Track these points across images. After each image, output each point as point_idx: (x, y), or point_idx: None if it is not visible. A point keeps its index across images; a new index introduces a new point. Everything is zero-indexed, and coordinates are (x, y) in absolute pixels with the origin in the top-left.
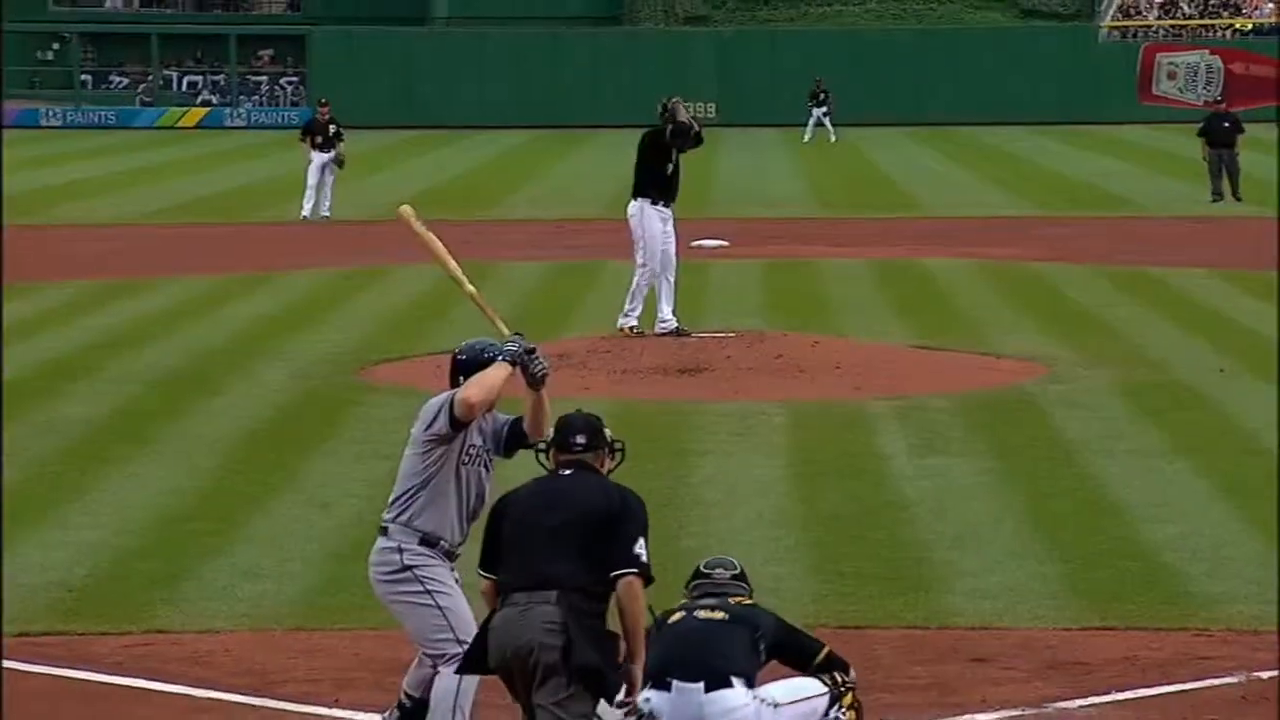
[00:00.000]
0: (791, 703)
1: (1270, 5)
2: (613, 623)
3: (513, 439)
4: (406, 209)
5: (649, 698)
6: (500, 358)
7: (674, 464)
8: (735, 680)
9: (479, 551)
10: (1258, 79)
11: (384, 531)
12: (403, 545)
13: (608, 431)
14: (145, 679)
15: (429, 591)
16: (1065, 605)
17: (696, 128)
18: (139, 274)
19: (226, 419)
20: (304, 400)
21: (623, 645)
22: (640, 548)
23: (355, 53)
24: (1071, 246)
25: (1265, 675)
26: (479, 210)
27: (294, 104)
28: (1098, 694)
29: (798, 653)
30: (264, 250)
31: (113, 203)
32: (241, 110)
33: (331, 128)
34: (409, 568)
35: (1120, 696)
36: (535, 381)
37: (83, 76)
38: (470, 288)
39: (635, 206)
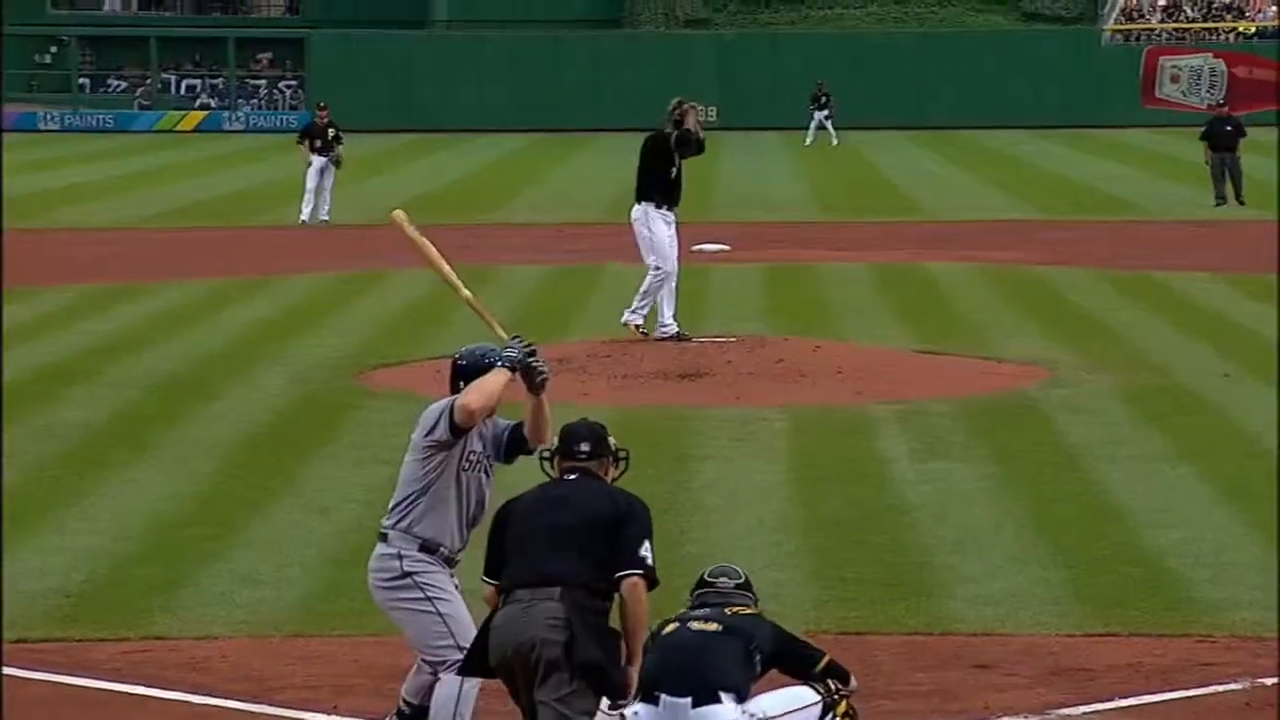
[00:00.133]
0: (783, 714)
1: (1273, 8)
2: (614, 623)
3: (513, 444)
4: (399, 214)
5: (636, 711)
6: (500, 363)
7: (674, 469)
8: (724, 695)
9: (482, 559)
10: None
11: (383, 538)
12: (402, 552)
13: (612, 440)
14: (143, 685)
15: (429, 598)
16: (1068, 611)
17: (701, 136)
18: (137, 278)
19: (225, 424)
20: (303, 405)
21: (622, 646)
22: (646, 550)
23: (354, 56)
24: (1074, 250)
25: (1269, 681)
26: (479, 214)
27: (293, 107)
28: (1101, 701)
29: (797, 662)
30: (263, 254)
31: (111, 206)
32: (240, 113)
33: (330, 131)
34: (409, 574)
35: (1124, 703)
36: (536, 386)
37: (81, 80)
38: (466, 293)
39: (639, 210)
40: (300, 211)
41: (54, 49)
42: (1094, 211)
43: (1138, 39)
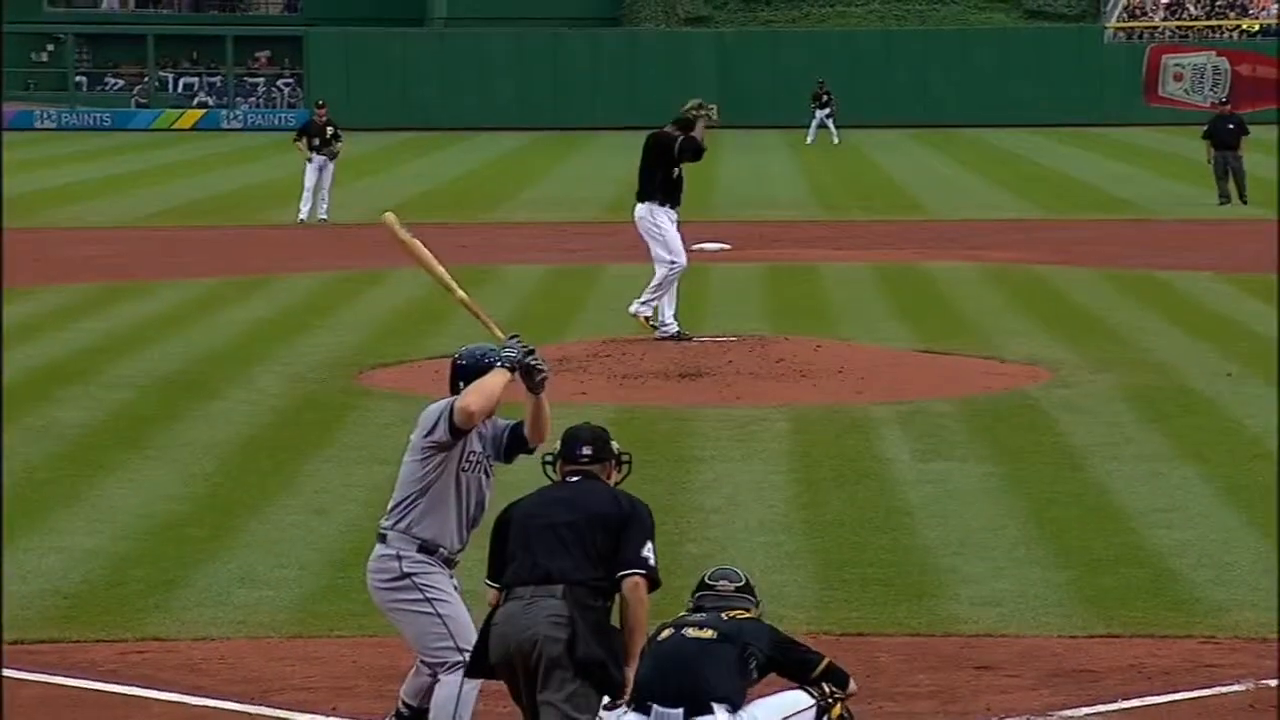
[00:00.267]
0: None
1: (1275, 6)
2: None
3: (513, 444)
4: (390, 216)
5: (626, 716)
6: (499, 364)
7: (674, 470)
8: (717, 707)
9: (482, 560)
10: (1264, 81)
11: (382, 539)
12: (401, 553)
13: (615, 444)
14: (140, 687)
15: (428, 599)
16: (1070, 612)
17: (704, 145)
18: (135, 278)
19: (223, 424)
20: (301, 405)
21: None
22: (648, 551)
23: (353, 54)
24: (1076, 249)
25: (1272, 683)
26: (478, 213)
27: (291, 106)
28: (1104, 702)
29: (795, 666)
30: (261, 254)
31: (108, 206)
32: (238, 112)
33: (329, 129)
34: (408, 575)
35: (1126, 705)
36: (535, 386)
37: (78, 78)
38: (461, 293)
39: (644, 209)
40: (298, 211)
41: (50, 47)
42: (1096, 210)
43: (1140, 37)
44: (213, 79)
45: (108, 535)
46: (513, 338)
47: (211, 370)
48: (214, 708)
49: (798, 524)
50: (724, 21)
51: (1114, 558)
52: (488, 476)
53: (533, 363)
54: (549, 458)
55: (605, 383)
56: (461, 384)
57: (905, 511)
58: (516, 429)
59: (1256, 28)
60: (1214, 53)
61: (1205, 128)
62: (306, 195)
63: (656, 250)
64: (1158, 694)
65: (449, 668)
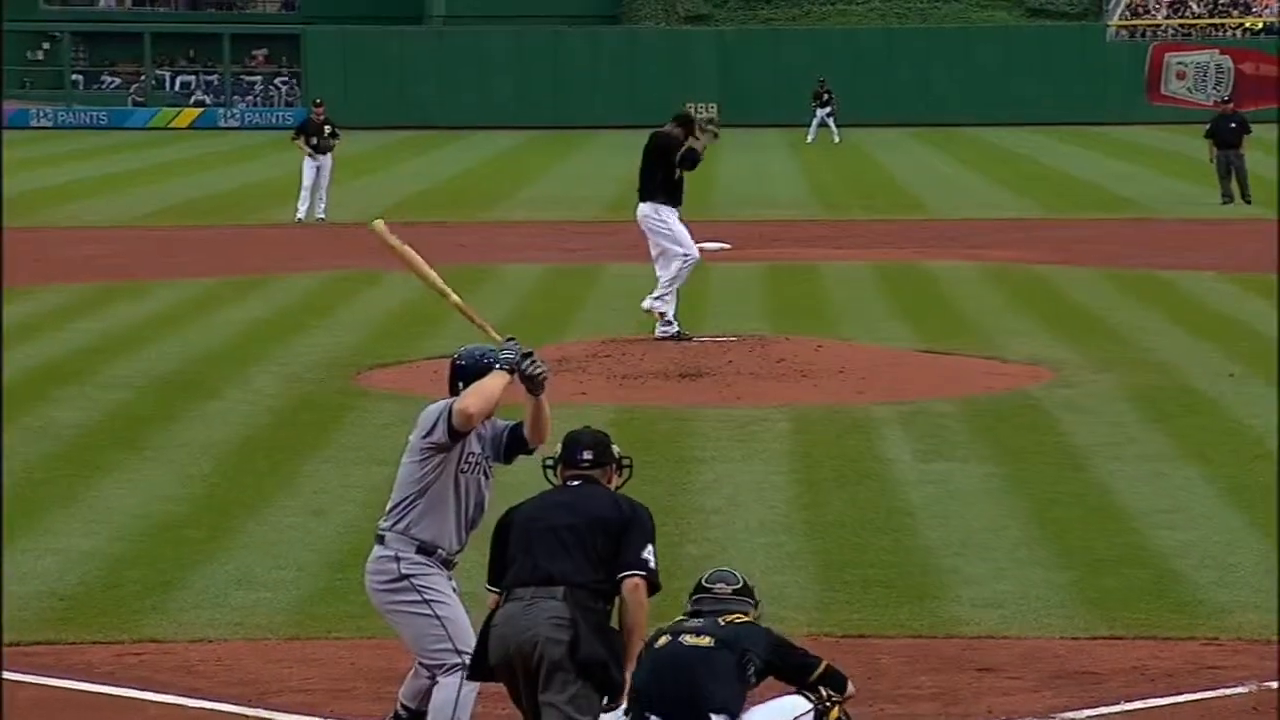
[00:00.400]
0: None
1: (1278, 4)
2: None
3: (513, 444)
4: (379, 224)
5: None
6: (498, 366)
7: (674, 470)
8: (715, 717)
9: (481, 562)
10: (1267, 79)
11: (381, 540)
12: (400, 554)
13: (615, 448)
14: (137, 689)
15: (426, 601)
16: (1073, 614)
17: (701, 157)
18: (131, 277)
19: (220, 424)
20: (299, 405)
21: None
22: (649, 554)
23: (351, 52)
24: (1078, 249)
25: (1275, 685)
26: (477, 212)
27: (288, 104)
28: (1106, 704)
29: (793, 670)
30: (258, 253)
31: (105, 205)
32: (235, 111)
33: (327, 128)
34: (406, 577)
35: (1129, 707)
36: (534, 387)
37: (74, 76)
38: (455, 297)
39: (649, 208)
40: (296, 210)
41: (47, 45)
42: (1098, 209)
43: (1143, 35)
44: (210, 77)
45: (104, 536)
46: (509, 340)
47: (208, 370)
48: (211, 710)
49: (798, 525)
50: (724, 19)
51: (1116, 559)
52: (487, 478)
53: (530, 369)
54: (549, 462)
55: (605, 383)
56: (461, 384)
57: (906, 512)
58: (516, 430)
59: (1260, 25)
60: (1217, 51)
61: (1208, 127)
62: (304, 194)
63: (667, 246)
64: (1160, 696)
65: (447, 670)
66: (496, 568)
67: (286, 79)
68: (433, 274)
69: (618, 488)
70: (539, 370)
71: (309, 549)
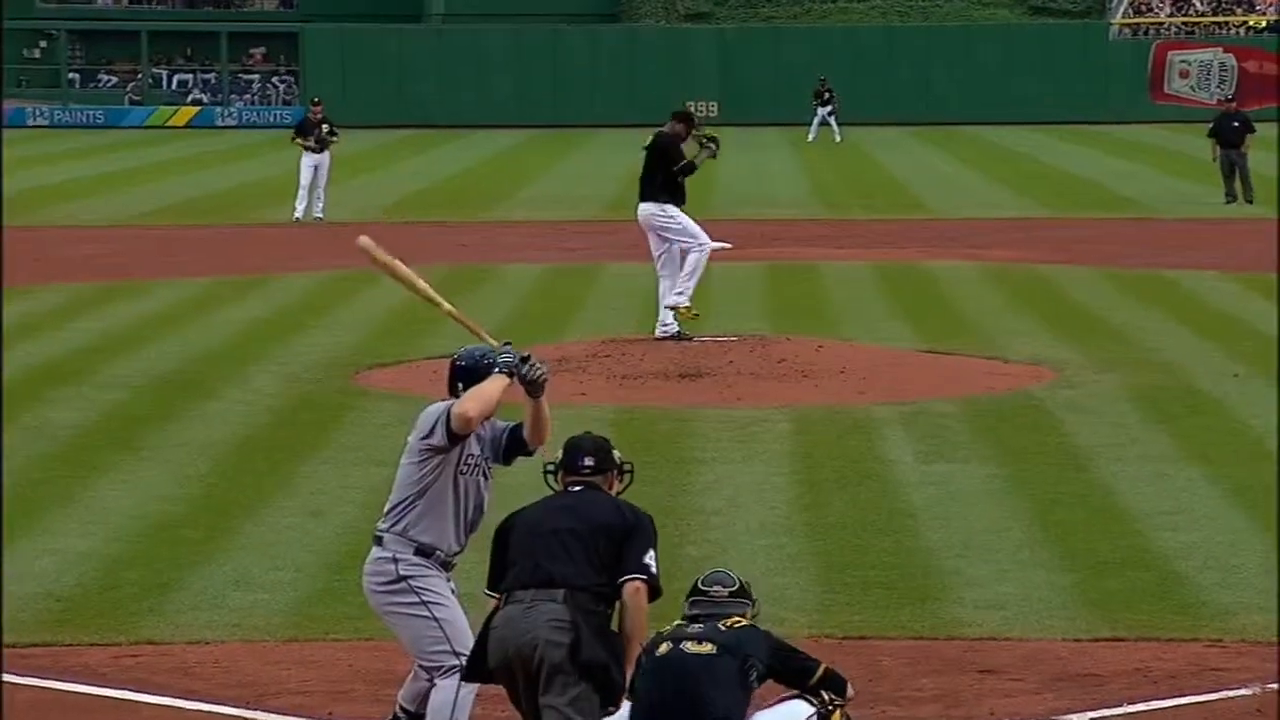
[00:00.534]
0: None
1: None
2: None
3: (512, 446)
4: (365, 240)
5: None
6: (498, 369)
7: (675, 471)
8: None
9: (481, 565)
10: (1269, 78)
11: (379, 541)
12: (398, 555)
13: (617, 453)
14: (134, 691)
15: (424, 603)
16: (1075, 615)
17: (698, 165)
18: (129, 276)
19: (218, 424)
20: (297, 405)
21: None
22: (650, 559)
23: (349, 50)
24: (1080, 248)
25: (1278, 687)
26: (476, 211)
27: (286, 103)
28: (1108, 706)
29: (794, 674)
30: (256, 252)
31: (103, 204)
32: (233, 109)
33: (325, 127)
34: (404, 578)
35: (1131, 709)
36: (534, 389)
37: (70, 75)
38: (448, 306)
39: (655, 207)
40: (294, 209)
41: (43, 43)
42: (1101, 209)
43: (1146, 33)
44: (207, 76)
45: (101, 537)
46: (506, 344)
47: (207, 370)
48: (208, 712)
49: (799, 526)
50: (725, 18)
51: (1119, 560)
52: (486, 479)
53: (530, 372)
54: (550, 467)
55: (605, 383)
56: (460, 385)
57: (908, 513)
58: (516, 431)
59: (1264, 23)
60: (1220, 49)
61: (1211, 125)
62: (302, 194)
63: (679, 240)
64: (1163, 698)
65: (445, 672)
66: (496, 572)
67: (285, 77)
68: (424, 285)
69: (619, 493)
70: (539, 373)
71: (307, 550)
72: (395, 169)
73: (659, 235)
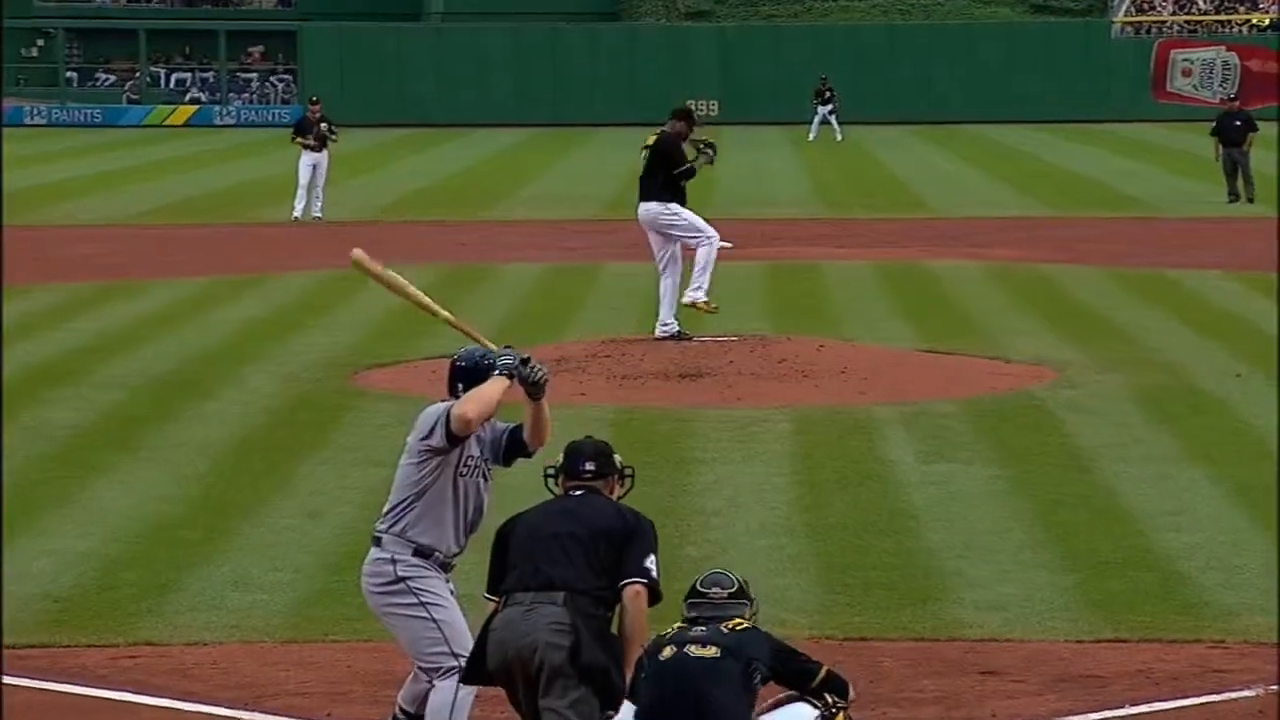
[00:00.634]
0: None
1: None
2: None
3: (512, 447)
4: (359, 253)
5: None
6: (498, 371)
7: (675, 472)
8: None
9: (481, 568)
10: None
11: (377, 542)
12: (396, 556)
13: (618, 458)
14: (132, 692)
15: (423, 604)
16: (1077, 616)
17: (697, 170)
18: (127, 276)
19: (216, 424)
20: (296, 405)
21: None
22: (650, 563)
23: (348, 49)
24: (1082, 248)
25: (1277, 689)
26: (475, 210)
27: (285, 102)
28: (1111, 708)
29: (796, 676)
30: (255, 252)
31: (100, 203)
32: (231, 108)
33: (324, 125)
34: (402, 579)
35: (1134, 710)
36: (535, 391)
37: (68, 73)
38: (445, 314)
39: (659, 206)
40: (293, 208)
41: (40, 42)
42: (1103, 208)
43: (1149, 31)
44: (205, 74)
45: (99, 538)
46: (506, 348)
47: (204, 370)
48: (206, 713)
49: (800, 527)
50: (725, 16)
51: (1121, 561)
52: (486, 480)
53: (532, 375)
54: (550, 471)
55: (604, 383)
56: (460, 385)
57: (909, 514)
58: (516, 432)
59: (1267, 22)
60: (1223, 47)
61: (1213, 124)
62: (301, 193)
63: (685, 236)
64: (1166, 699)
65: (443, 673)
66: (495, 575)
67: (283, 76)
68: (419, 295)
69: (619, 497)
70: (540, 375)
71: (305, 551)
72: (394, 168)
73: (662, 235)
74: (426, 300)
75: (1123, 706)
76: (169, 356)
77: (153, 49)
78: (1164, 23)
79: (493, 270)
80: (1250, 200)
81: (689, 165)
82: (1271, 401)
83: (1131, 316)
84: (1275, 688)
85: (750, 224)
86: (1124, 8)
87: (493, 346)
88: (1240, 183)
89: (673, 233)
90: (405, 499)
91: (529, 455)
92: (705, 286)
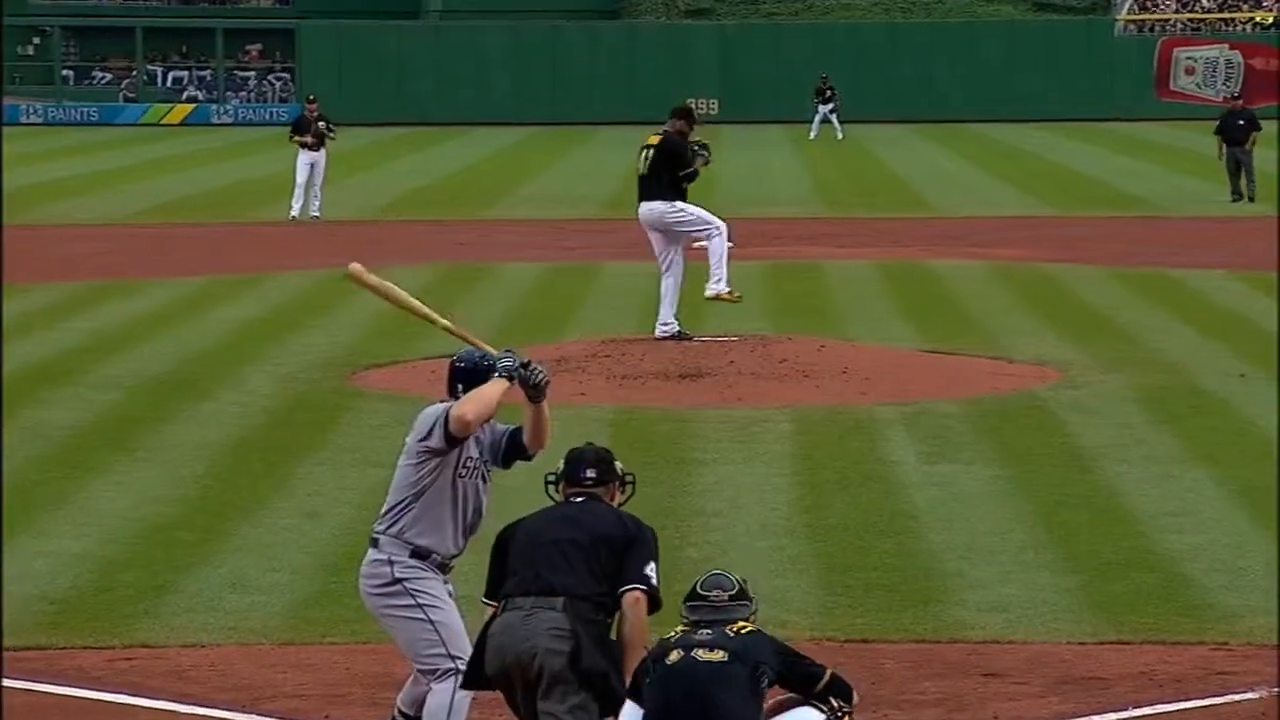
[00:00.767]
0: None
1: None
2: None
3: (512, 450)
4: (355, 266)
5: None
6: (498, 373)
7: (675, 472)
8: None
9: (480, 571)
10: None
11: (375, 543)
12: (393, 557)
13: (619, 464)
14: (128, 694)
15: (420, 605)
16: (1079, 618)
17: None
18: (124, 275)
19: (214, 425)
20: (293, 406)
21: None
22: (651, 570)
23: (346, 47)
24: (1085, 247)
25: (1278, 690)
26: (475, 210)
27: (282, 100)
28: (1113, 710)
29: (801, 680)
30: (252, 251)
31: (97, 202)
32: (228, 106)
33: (321, 124)
34: (400, 580)
35: (1137, 712)
36: (536, 394)
37: (64, 72)
38: (444, 321)
39: (664, 205)
40: (290, 208)
41: (37, 40)
42: (1106, 207)
43: (1151, 29)
44: (202, 73)
45: (96, 539)
46: (506, 351)
47: (202, 370)
48: (204, 715)
49: (800, 528)
50: (725, 14)
51: (1124, 562)
52: (485, 482)
53: (532, 377)
54: (551, 478)
55: (604, 383)
56: (460, 386)
57: (910, 515)
58: (515, 435)
59: (1270, 20)
60: (1226, 46)
61: (1217, 123)
62: (298, 192)
63: (693, 231)
64: (1169, 702)
65: (441, 675)
66: (495, 580)
67: (281, 75)
68: (417, 304)
69: (620, 504)
70: (541, 378)
71: (303, 552)
72: (392, 167)
73: (665, 235)
74: (425, 309)
75: (1125, 709)
76: (166, 356)
77: (149, 47)
78: (1167, 21)
79: (492, 270)
80: (1251, 199)
81: (693, 169)
82: (1274, 401)
83: (1134, 316)
84: (1279, 690)
85: (751, 223)
86: (1127, 6)
87: (493, 352)
88: (1243, 181)
89: (681, 229)
90: (403, 500)
91: (528, 458)
92: (724, 277)
